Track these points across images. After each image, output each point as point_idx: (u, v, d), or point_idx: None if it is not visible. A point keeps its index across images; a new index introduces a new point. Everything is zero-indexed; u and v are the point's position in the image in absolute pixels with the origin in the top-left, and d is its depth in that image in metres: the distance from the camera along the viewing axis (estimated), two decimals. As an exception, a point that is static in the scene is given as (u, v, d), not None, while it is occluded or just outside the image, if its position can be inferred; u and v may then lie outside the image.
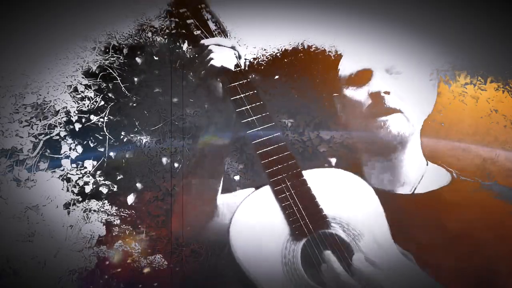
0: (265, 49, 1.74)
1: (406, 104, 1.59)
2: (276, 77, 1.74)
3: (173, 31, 1.64)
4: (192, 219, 1.60)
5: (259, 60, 1.73)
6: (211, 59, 1.42)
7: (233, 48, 1.46)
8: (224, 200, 1.56)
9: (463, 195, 1.62)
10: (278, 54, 1.74)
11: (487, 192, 1.64)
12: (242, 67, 1.45)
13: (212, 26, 1.48)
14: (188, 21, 1.46)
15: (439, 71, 1.73)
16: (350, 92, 1.64)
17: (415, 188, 1.62)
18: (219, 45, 1.44)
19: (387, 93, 1.56)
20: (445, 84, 1.74)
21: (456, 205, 1.60)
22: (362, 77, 1.61)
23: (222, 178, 1.57)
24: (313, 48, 1.74)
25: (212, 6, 1.60)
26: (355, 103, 1.62)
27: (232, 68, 1.42)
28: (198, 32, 1.46)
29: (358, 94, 1.62)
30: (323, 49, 1.74)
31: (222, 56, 1.42)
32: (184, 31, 1.49)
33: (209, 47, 1.42)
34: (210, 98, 1.51)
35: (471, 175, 1.69)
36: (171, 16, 1.60)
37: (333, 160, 1.72)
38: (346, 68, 1.68)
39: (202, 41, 1.44)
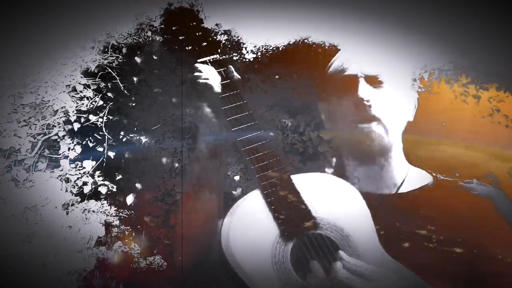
0: (265, 49, 1.73)
1: (387, 112, 1.61)
2: (276, 77, 1.74)
3: (165, 48, 1.69)
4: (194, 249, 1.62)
5: (260, 59, 1.73)
6: (198, 77, 1.54)
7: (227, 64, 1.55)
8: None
9: (444, 192, 1.64)
10: (278, 54, 1.74)
11: (467, 189, 1.65)
12: (235, 78, 1.57)
13: (202, 42, 1.58)
14: (180, 38, 1.57)
15: (441, 71, 1.73)
16: (336, 100, 1.66)
17: (398, 189, 1.64)
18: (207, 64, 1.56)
19: (368, 102, 1.59)
20: (446, 83, 1.73)
21: (438, 204, 1.61)
22: (348, 84, 1.63)
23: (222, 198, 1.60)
24: (313, 48, 1.74)
25: (213, 6, 1.61)
26: (341, 111, 1.65)
27: (216, 86, 1.52)
28: (189, 47, 1.56)
29: (343, 102, 1.64)
30: (323, 48, 1.74)
31: (207, 74, 1.54)
32: (176, 47, 1.60)
33: (197, 67, 1.55)
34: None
35: (471, 175, 1.69)
36: (164, 33, 1.67)
37: (333, 160, 1.72)
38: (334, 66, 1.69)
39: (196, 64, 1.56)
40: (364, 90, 1.62)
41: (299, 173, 1.50)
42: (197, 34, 1.56)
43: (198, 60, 1.56)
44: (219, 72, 1.55)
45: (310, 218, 1.42)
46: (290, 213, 1.42)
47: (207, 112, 1.56)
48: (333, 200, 1.49)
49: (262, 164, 1.45)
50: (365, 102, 1.60)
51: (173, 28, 1.56)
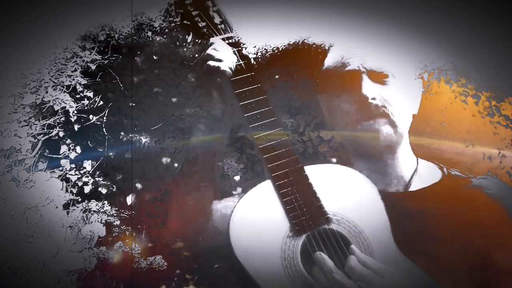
0: (265, 49, 1.73)
1: (393, 108, 1.60)
2: (276, 77, 1.74)
3: (178, 23, 1.62)
4: (187, 230, 1.60)
5: (260, 59, 1.73)
6: (209, 58, 1.42)
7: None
8: (220, 206, 1.56)
9: (455, 191, 1.63)
10: (278, 54, 1.74)
11: (479, 187, 1.64)
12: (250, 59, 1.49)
13: (217, 18, 1.48)
14: (194, 13, 1.46)
15: (441, 71, 1.73)
16: (338, 98, 1.65)
17: (407, 186, 1.62)
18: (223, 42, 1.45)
19: (374, 99, 1.58)
20: (446, 83, 1.73)
21: (448, 201, 1.60)
22: (350, 82, 1.62)
23: (216, 183, 1.58)
24: (313, 47, 1.74)
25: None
26: (343, 107, 1.63)
27: (228, 70, 1.43)
28: (203, 24, 1.45)
29: (346, 101, 1.63)
30: (324, 48, 1.74)
31: (220, 56, 1.43)
32: (188, 22, 1.49)
33: (210, 46, 1.43)
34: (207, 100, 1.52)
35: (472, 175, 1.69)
36: (177, 7, 1.59)
37: (333, 161, 1.71)
38: (330, 60, 1.68)
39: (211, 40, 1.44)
40: (368, 88, 1.60)
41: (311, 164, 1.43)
42: (210, 9, 1.45)
43: (211, 39, 1.45)
44: (234, 52, 1.45)
45: (322, 213, 1.36)
46: (303, 206, 1.35)
47: (215, 96, 1.49)
48: (347, 193, 1.42)
49: (274, 153, 1.37)
50: (369, 100, 1.59)
51: (186, 2, 1.44)
